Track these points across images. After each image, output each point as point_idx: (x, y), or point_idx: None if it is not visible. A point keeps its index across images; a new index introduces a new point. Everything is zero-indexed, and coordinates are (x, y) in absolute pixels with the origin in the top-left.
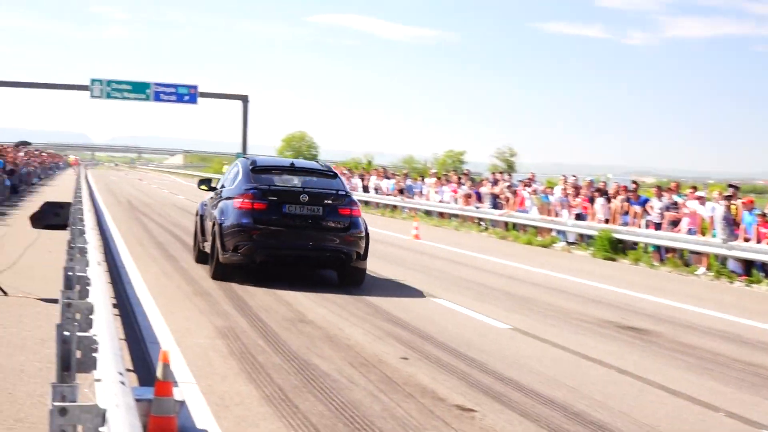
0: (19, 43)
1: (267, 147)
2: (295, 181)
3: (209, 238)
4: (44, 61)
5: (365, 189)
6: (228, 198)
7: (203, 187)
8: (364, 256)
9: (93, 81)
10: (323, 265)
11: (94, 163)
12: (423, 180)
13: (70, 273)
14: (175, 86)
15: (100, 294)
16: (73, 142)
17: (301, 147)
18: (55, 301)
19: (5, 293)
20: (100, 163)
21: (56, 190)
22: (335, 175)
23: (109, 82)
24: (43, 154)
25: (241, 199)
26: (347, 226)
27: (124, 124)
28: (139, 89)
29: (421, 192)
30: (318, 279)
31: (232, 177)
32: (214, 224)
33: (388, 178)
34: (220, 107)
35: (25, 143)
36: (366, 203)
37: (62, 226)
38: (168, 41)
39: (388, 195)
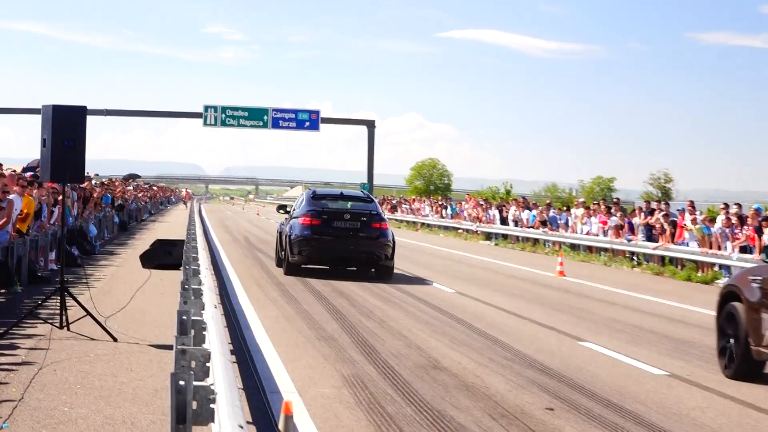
0: (126, 68)
1: (395, 176)
2: (343, 204)
3: (285, 246)
4: (153, 87)
5: (503, 221)
6: (295, 218)
7: (281, 211)
8: (391, 258)
9: (206, 108)
10: (361, 263)
11: (208, 196)
12: (568, 210)
13: (184, 317)
14: (295, 112)
15: (216, 340)
16: (185, 174)
17: (432, 176)
18: (168, 347)
19: (114, 339)
20: (214, 196)
21: (168, 226)
22: (372, 200)
23: (224, 109)
24: (153, 187)
25: (303, 218)
26: (378, 236)
27: (239, 154)
28: (256, 116)
29: (566, 224)
30: (449, 322)
31: (299, 203)
32: (286, 236)
33: (529, 208)
34: (344, 134)
35: (134, 176)
36: (504, 237)
37: (175, 266)
38: (287, 63)
39: (529, 227)
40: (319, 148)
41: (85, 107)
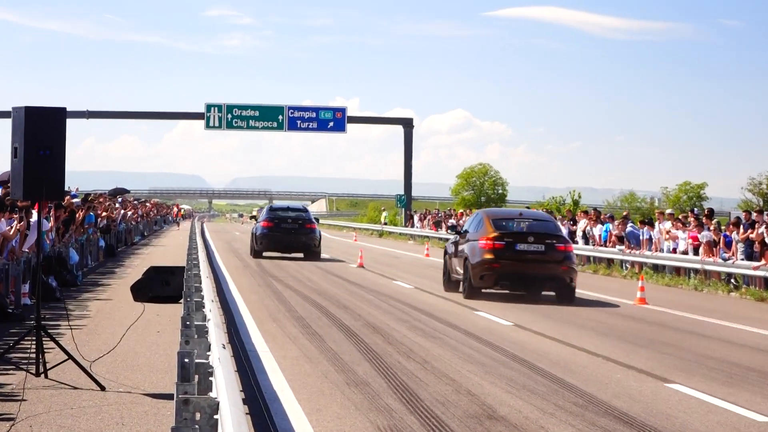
0: (112, 62)
1: (438, 186)
2: (288, 214)
3: (252, 240)
4: (144, 84)
5: (571, 236)
6: (258, 222)
7: (252, 219)
8: (318, 246)
9: (209, 107)
10: (298, 250)
11: (212, 213)
12: (650, 224)
13: (186, 360)
14: (317, 110)
15: (225, 387)
16: (184, 187)
17: (482, 184)
18: (167, 396)
19: (102, 388)
20: (219, 213)
21: (164, 251)
22: (306, 210)
23: (230, 108)
24: (146, 204)
25: (263, 222)
26: (309, 232)
27: (249, 162)
28: (269, 115)
29: (648, 240)
30: (505, 361)
31: (262, 213)
32: (253, 234)
33: (601, 222)
34: (376, 136)
35: (121, 191)
36: None
37: (173, 298)
38: (306, 52)
39: (602, 245)
40: (345, 154)
41: (63, 109)
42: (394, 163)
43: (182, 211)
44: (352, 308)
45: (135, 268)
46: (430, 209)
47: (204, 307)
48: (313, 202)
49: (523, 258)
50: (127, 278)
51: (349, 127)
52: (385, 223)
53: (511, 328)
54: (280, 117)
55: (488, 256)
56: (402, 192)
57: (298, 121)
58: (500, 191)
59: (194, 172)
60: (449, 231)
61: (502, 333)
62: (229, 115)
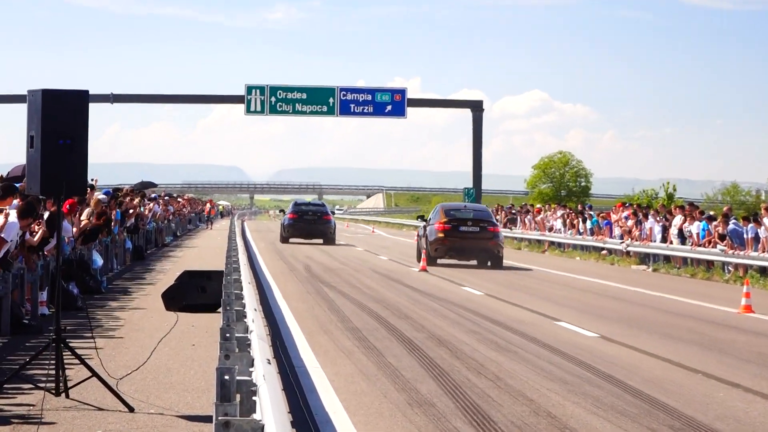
0: (141, 39)
1: (512, 178)
2: (309, 208)
3: (281, 229)
4: (177, 64)
5: (664, 237)
6: (286, 215)
7: (420, 221)
8: (333, 233)
9: (250, 89)
10: (318, 237)
11: (253, 210)
12: (755, 220)
13: (226, 377)
14: (372, 92)
15: (271, 408)
16: (221, 181)
17: (563, 176)
18: (205, 419)
19: (130, 409)
20: (261, 210)
21: (199, 253)
22: (324, 206)
23: (274, 90)
24: (179, 200)
25: (289, 215)
26: (326, 222)
27: (295, 152)
28: (318, 98)
29: (753, 239)
30: (590, 378)
31: (289, 208)
32: (282, 224)
33: (700, 218)
34: (440, 121)
35: (149, 185)
36: (667, 259)
37: (210, 307)
38: (360, 25)
39: (700, 245)
40: (405, 142)
41: (86, 92)
42: (461, 153)
43: (220, 207)
44: (415, 318)
45: (166, 272)
46: (502, 204)
47: (246, 316)
48: (368, 197)
49: (465, 236)
50: (157, 284)
51: (410, 111)
52: None
53: (596, 340)
54: (331, 100)
55: (440, 235)
56: (470, 185)
57: (351, 105)
58: (583, 183)
59: (233, 163)
60: (419, 219)
61: (587, 346)
62: (273, 99)
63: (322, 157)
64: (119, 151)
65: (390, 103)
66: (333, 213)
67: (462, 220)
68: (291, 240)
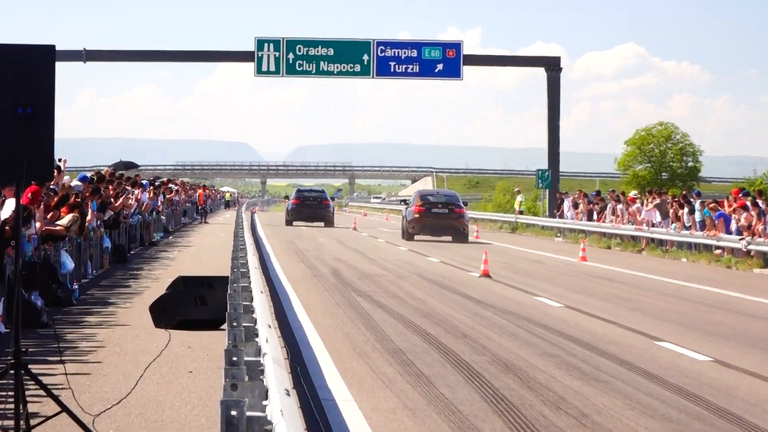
0: None
1: (599, 156)
2: (311, 194)
3: (286, 213)
4: (167, 13)
5: None
6: (289, 201)
7: (403, 204)
8: (332, 217)
9: (261, 44)
10: (318, 220)
11: (266, 199)
12: None
13: (233, 412)
14: (419, 46)
15: None
16: (224, 161)
17: (664, 153)
18: None
19: None
20: (277, 199)
21: (196, 253)
22: (323, 191)
23: (292, 45)
24: (170, 185)
25: (293, 200)
26: (326, 207)
27: (318, 125)
28: (348, 55)
29: None
30: (704, 415)
31: (291, 195)
32: (286, 208)
33: None
34: (504, 84)
35: (129, 165)
36: None
37: (212, 323)
38: None
39: None
40: (460, 112)
41: (52, 48)
42: (533, 125)
43: (227, 195)
44: (474, 337)
45: (156, 279)
46: (587, 191)
47: (258, 335)
48: (413, 181)
49: (436, 216)
50: (144, 294)
51: (467, 71)
52: (521, 212)
53: (708, 365)
54: (365, 57)
55: (416, 215)
56: (545, 166)
57: (392, 64)
58: (690, 164)
59: (240, 138)
60: (402, 203)
61: (697, 372)
62: (290, 56)
63: (354, 131)
64: (94, 123)
65: (441, 60)
66: (333, 199)
67: (434, 203)
68: (294, 223)
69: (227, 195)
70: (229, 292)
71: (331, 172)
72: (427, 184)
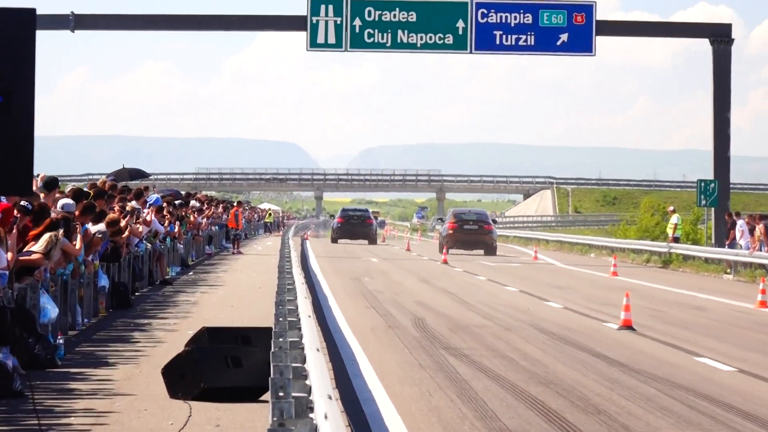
0: None
1: None
2: (355, 213)
3: (330, 230)
4: None
5: None
6: (334, 219)
7: (440, 221)
8: (376, 234)
9: (317, 4)
10: (362, 238)
11: (323, 219)
12: None
13: None
14: (535, 8)
15: None
16: (267, 168)
17: None
18: None
19: None
20: (333, 218)
21: (229, 296)
22: (366, 210)
23: (359, 6)
24: (192, 202)
25: (338, 218)
26: (370, 225)
27: (394, 119)
28: (437, 21)
29: None
30: None
31: (337, 213)
32: (331, 226)
33: None
34: (655, 60)
35: (135, 175)
36: None
37: (250, 392)
38: None
39: None
40: (589, 99)
41: (32, 12)
42: (692, 118)
43: (268, 215)
44: (612, 413)
45: (172, 330)
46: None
47: (313, 409)
48: (526, 196)
49: (468, 232)
50: (155, 352)
51: (601, 44)
52: (676, 239)
53: None
54: (461, 25)
55: (450, 231)
56: (710, 175)
57: (497, 34)
58: None
59: (286, 137)
60: (439, 221)
61: None
62: (358, 23)
63: (443, 127)
64: (86, 115)
65: (565, 29)
66: (376, 218)
67: (466, 221)
68: (339, 240)
69: (268, 215)
70: (272, 349)
71: (412, 184)
72: (545, 201)
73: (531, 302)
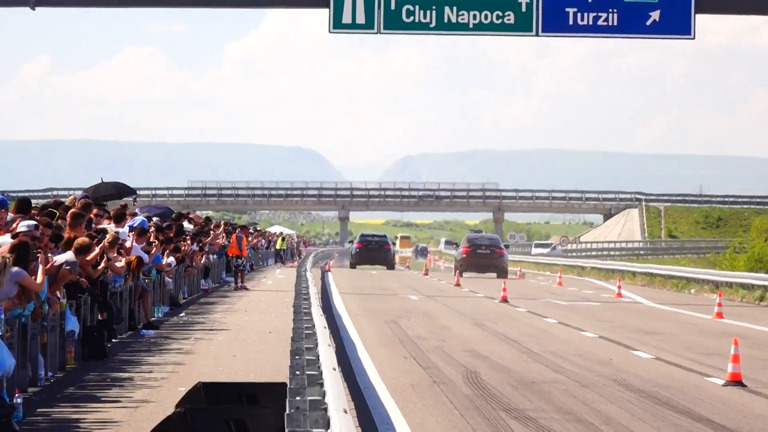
0: None
1: None
2: (373, 238)
3: (350, 256)
4: None
5: None
6: (353, 245)
7: (455, 245)
8: (393, 259)
9: None
10: (380, 264)
11: (345, 245)
12: None
13: None
14: None
15: None
16: (276, 182)
17: None
18: None
19: None
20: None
21: (230, 342)
22: (385, 236)
23: None
24: (186, 223)
25: (356, 244)
26: (387, 251)
27: (440, 120)
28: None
29: None
30: None
31: (355, 239)
32: (350, 252)
33: None
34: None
35: (116, 193)
36: None
37: None
38: None
39: None
40: (682, 95)
41: None
42: None
43: (279, 240)
44: None
45: (158, 387)
46: None
47: None
48: (607, 216)
49: (480, 256)
50: (137, 414)
51: (702, 23)
52: None
53: None
54: (523, 0)
55: (464, 255)
56: None
57: (569, 11)
58: None
59: (303, 142)
60: (453, 246)
61: None
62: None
63: (503, 131)
64: (49, 114)
65: (657, 4)
66: (394, 244)
67: (479, 245)
68: (358, 266)
69: (280, 241)
70: (286, 410)
71: (462, 202)
72: (631, 223)
73: (614, 351)
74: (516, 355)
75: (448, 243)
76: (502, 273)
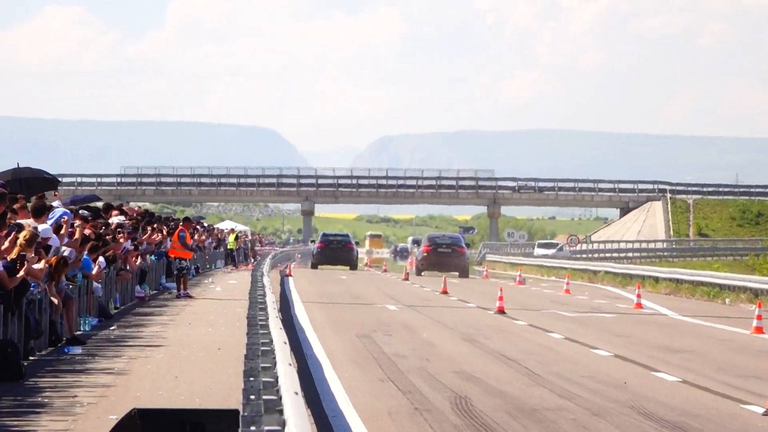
0: None
1: None
2: (336, 238)
3: (312, 256)
4: None
5: None
6: (315, 244)
7: (416, 244)
8: (356, 260)
9: None
10: (343, 264)
11: (309, 244)
12: None
13: None
14: None
15: None
16: (226, 168)
17: None
18: None
19: None
20: (350, 243)
21: (171, 361)
22: (347, 235)
23: None
24: (117, 220)
25: (318, 243)
26: (350, 250)
27: (422, 98)
28: None
29: None
30: None
31: (317, 239)
32: (312, 251)
33: None
34: None
35: (45, 183)
36: None
37: None
38: None
39: None
40: (714, 62)
41: None
42: None
43: (231, 239)
44: None
45: (83, 414)
46: None
47: None
48: (625, 211)
49: (441, 255)
50: None
51: None
52: None
53: None
54: None
55: (425, 254)
56: None
57: None
58: None
59: (260, 122)
60: (414, 244)
61: None
62: None
63: (500, 108)
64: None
65: None
66: (357, 243)
67: (440, 244)
68: (320, 266)
69: (231, 239)
70: None
71: (450, 193)
72: (654, 218)
73: (632, 373)
74: (514, 377)
75: (415, 242)
76: (464, 272)
